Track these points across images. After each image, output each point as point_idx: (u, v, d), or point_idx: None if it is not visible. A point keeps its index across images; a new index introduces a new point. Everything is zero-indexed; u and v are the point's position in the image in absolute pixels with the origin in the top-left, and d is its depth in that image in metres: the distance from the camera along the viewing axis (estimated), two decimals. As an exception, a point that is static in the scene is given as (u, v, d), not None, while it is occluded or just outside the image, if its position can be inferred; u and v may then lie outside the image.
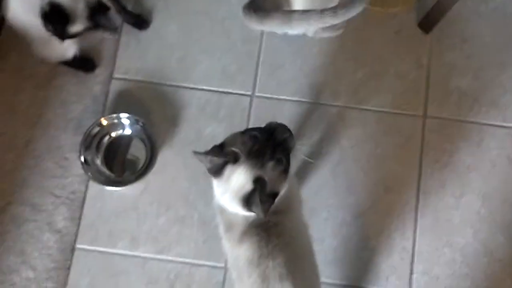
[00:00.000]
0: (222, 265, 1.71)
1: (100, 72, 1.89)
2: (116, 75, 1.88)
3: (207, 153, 1.19)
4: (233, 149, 1.19)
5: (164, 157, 1.78)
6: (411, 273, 1.68)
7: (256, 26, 1.46)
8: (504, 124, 1.79)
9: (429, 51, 1.87)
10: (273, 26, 1.43)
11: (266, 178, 1.17)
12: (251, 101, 1.84)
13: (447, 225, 1.71)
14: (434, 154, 1.78)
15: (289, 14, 1.40)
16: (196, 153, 1.19)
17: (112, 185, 1.75)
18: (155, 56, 1.89)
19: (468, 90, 1.83)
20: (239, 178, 1.17)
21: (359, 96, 1.84)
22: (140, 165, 1.78)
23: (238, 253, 1.23)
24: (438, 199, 1.73)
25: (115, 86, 1.87)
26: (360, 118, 1.82)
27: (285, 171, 1.20)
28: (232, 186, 1.18)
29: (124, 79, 1.88)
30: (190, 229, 1.74)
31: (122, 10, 1.82)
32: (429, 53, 1.87)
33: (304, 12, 1.40)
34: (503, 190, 1.73)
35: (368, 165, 1.77)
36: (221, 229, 1.30)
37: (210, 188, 1.72)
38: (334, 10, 1.35)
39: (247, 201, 1.17)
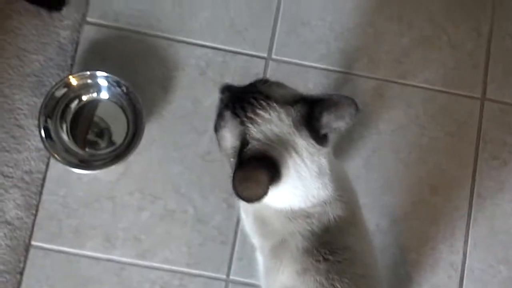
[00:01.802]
0: (223, 276, 1.37)
1: (69, 13, 1.49)
2: (89, 19, 1.49)
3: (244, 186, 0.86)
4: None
5: (150, 132, 1.41)
6: (459, 295, 1.40)
7: None
8: None
9: (490, 17, 1.56)
10: None
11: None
12: (266, 65, 1.48)
13: (505, 237, 1.44)
14: (492, 148, 1.48)
15: None
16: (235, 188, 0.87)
17: (82, 168, 1.36)
18: (142, -4, 1.50)
19: (536, 69, 1.52)
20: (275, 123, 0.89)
21: (402, 68, 1.50)
22: (119, 142, 1.40)
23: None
24: (495, 205, 1.45)
25: (88, 33, 1.48)
26: (403, 96, 1.49)
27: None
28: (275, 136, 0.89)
29: (100, 25, 1.48)
30: (182, 228, 1.39)
31: None
32: (491, 20, 1.55)
33: None
34: None
35: (410, 157, 1.46)
36: (265, 250, 1.00)
37: (210, 177, 1.41)
38: None
39: (319, 127, 0.90)
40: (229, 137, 0.92)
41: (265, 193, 0.86)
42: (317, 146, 0.91)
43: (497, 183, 1.45)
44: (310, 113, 0.90)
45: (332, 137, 0.94)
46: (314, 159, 0.91)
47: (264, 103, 0.90)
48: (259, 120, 0.89)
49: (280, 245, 0.97)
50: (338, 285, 0.92)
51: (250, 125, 0.89)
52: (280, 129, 0.89)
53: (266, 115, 0.89)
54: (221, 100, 0.97)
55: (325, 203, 0.95)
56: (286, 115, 0.90)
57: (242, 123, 0.90)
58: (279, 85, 0.97)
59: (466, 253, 1.42)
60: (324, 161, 0.92)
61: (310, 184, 0.93)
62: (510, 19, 1.54)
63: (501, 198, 1.45)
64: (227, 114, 0.92)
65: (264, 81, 0.97)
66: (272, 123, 0.89)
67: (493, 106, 1.50)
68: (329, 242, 0.95)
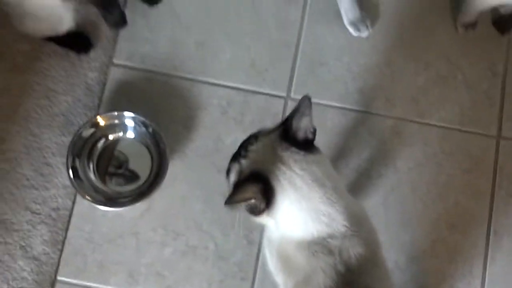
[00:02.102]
0: (245, 313, 1.39)
1: (96, 56, 1.55)
2: (116, 61, 1.55)
3: (236, 199, 0.97)
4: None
5: (174, 170, 1.45)
6: (478, 333, 1.40)
7: None
8: None
9: (505, 56, 1.59)
10: None
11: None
12: (285, 104, 1.52)
13: (523, 275, 1.43)
14: (508, 185, 1.49)
15: None
16: (228, 204, 0.97)
17: (108, 205, 1.41)
18: (167, 40, 1.56)
19: (551, 107, 1.54)
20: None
21: (419, 107, 1.53)
22: (144, 180, 1.44)
23: None
24: (513, 242, 1.45)
25: (114, 75, 1.54)
26: (420, 134, 1.52)
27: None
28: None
29: (126, 67, 1.54)
30: (203, 264, 1.42)
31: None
32: (506, 59, 1.58)
33: None
34: None
35: (428, 195, 1.48)
36: (289, 284, 1.02)
37: (230, 214, 1.44)
38: None
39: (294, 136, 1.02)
40: (233, 178, 1.03)
41: (253, 196, 0.95)
42: (301, 152, 0.99)
43: (514, 221, 1.47)
44: (285, 128, 1.01)
45: (316, 144, 1.03)
46: (303, 166, 0.98)
47: (252, 140, 1.04)
48: (249, 154, 1.01)
49: (305, 282, 0.99)
50: None
51: (242, 160, 1.01)
52: (265, 154, 1.00)
53: (253, 147, 1.02)
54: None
55: (343, 236, 0.97)
56: (269, 140, 1.01)
57: (238, 161, 1.02)
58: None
59: (484, 291, 1.43)
60: (316, 169, 0.98)
61: (310, 195, 0.97)
62: (524, 57, 1.58)
63: (519, 236, 1.46)
64: (230, 162, 1.05)
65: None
66: (258, 152, 1.01)
67: (509, 143, 1.52)
68: (352, 282, 0.96)
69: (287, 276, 1.03)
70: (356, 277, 0.97)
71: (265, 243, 1.14)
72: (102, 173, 1.46)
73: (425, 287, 1.42)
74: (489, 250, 1.45)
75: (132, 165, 1.47)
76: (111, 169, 1.47)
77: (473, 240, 1.45)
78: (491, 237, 1.46)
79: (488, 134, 1.52)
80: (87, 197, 1.38)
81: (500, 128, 1.53)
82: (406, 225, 1.46)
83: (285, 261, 1.02)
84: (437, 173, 1.49)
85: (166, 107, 1.51)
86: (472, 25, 1.56)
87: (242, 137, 1.47)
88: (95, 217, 1.44)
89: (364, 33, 1.55)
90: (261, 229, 1.42)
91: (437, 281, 1.42)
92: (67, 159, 1.39)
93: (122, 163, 1.47)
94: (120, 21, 1.52)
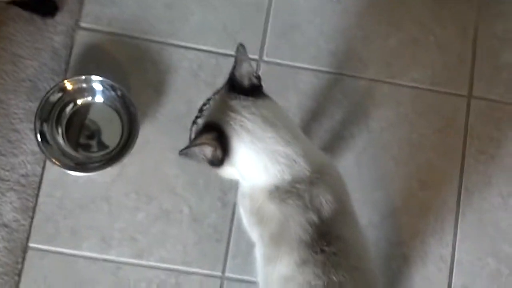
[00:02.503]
0: (219, 273, 1.40)
1: (62, 19, 1.51)
2: (83, 24, 1.51)
3: (194, 144, 1.02)
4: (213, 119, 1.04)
5: (145, 135, 1.44)
6: (449, 287, 1.43)
7: None
8: (562, 111, 1.54)
9: (476, 18, 1.59)
10: None
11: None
12: (257, 66, 1.51)
13: (492, 230, 1.47)
14: (479, 143, 1.51)
15: None
16: (182, 153, 1.03)
17: (77, 170, 1.38)
18: (134, 1, 1.53)
19: (521, 67, 1.56)
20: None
21: (392, 68, 1.54)
22: (114, 145, 1.42)
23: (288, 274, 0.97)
24: (483, 199, 1.49)
25: (81, 39, 1.50)
26: (393, 95, 1.53)
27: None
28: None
29: (94, 30, 1.51)
30: (177, 227, 1.41)
31: None
32: (476, 21, 1.59)
33: None
34: (557, 190, 1.49)
35: (400, 153, 1.49)
36: (265, 239, 1.01)
37: (204, 177, 1.43)
38: None
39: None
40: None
41: (207, 142, 0.99)
42: (249, 98, 1.02)
43: (484, 178, 1.49)
44: (231, 81, 1.05)
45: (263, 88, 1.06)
46: (252, 111, 1.00)
47: (206, 102, 1.09)
48: (203, 113, 1.08)
49: (280, 233, 0.99)
50: (334, 278, 0.94)
51: (198, 120, 1.08)
52: (216, 108, 1.05)
53: (207, 106, 1.08)
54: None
55: (309, 182, 0.99)
56: (220, 96, 1.06)
57: (195, 123, 1.09)
58: None
59: (455, 246, 1.45)
60: (266, 112, 1.01)
61: (263, 135, 0.99)
62: (494, 19, 1.59)
63: (488, 192, 1.48)
64: (190, 128, 1.12)
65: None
66: (211, 108, 1.06)
67: (479, 103, 1.54)
68: (326, 233, 0.97)
69: (262, 228, 1.03)
70: (329, 227, 0.98)
71: (239, 200, 1.14)
72: (73, 141, 1.44)
73: (397, 244, 1.44)
74: (460, 206, 1.47)
75: (102, 131, 1.45)
76: (83, 140, 1.45)
77: (445, 197, 1.48)
78: (462, 194, 1.48)
79: (459, 93, 1.54)
80: (55, 161, 1.36)
81: (471, 88, 1.54)
82: (379, 184, 1.47)
83: (258, 213, 1.03)
84: (409, 132, 1.50)
85: (135, 71, 1.49)
86: None
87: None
88: (65, 183, 1.42)
89: None
90: (235, 190, 1.43)
91: (410, 237, 1.44)
92: (34, 123, 1.37)
93: (94, 133, 1.45)
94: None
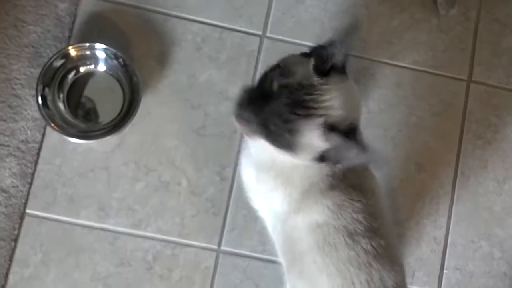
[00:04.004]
0: (215, 246, 1.34)
1: (66, -13, 1.42)
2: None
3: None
4: None
5: (146, 105, 1.37)
6: (442, 268, 1.38)
7: None
8: (559, 99, 1.48)
9: (479, 2, 1.52)
10: None
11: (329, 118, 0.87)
12: (260, 42, 1.44)
13: (487, 214, 1.42)
14: (477, 128, 1.45)
15: None
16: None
17: (78, 137, 1.31)
18: (140, -28, 1.44)
19: (521, 53, 1.49)
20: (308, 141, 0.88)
21: (393, 49, 1.47)
22: (116, 114, 1.35)
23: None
24: (478, 183, 1.43)
25: (86, 6, 1.42)
26: (393, 76, 1.46)
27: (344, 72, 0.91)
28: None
29: (98, -1, 1.42)
30: (175, 199, 1.35)
31: None
32: (479, 5, 1.52)
33: None
34: (551, 177, 1.44)
35: (399, 135, 1.43)
36: (295, 195, 0.96)
37: (203, 151, 1.37)
38: None
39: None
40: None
41: None
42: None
43: (480, 162, 1.44)
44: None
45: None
46: None
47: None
48: None
49: (309, 189, 0.95)
50: (375, 225, 0.92)
51: None
52: None
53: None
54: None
55: None
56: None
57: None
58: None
59: (449, 228, 1.40)
60: None
61: None
62: (496, 4, 1.52)
63: (484, 176, 1.43)
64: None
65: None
66: None
67: (479, 87, 1.48)
68: (357, 185, 0.94)
69: (291, 188, 0.97)
70: (358, 180, 0.96)
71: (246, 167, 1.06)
72: (73, 108, 1.36)
73: (393, 223, 1.38)
74: (456, 190, 1.42)
75: (104, 99, 1.38)
76: (80, 112, 1.37)
77: (441, 180, 1.42)
78: (458, 177, 1.43)
79: (459, 77, 1.48)
80: (55, 127, 1.29)
81: (471, 72, 1.48)
82: (377, 164, 1.41)
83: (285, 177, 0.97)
84: (407, 114, 1.45)
85: (139, 41, 1.41)
86: (451, 3, 1.47)
87: (217, 74, 1.42)
88: (65, 150, 1.35)
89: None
90: (234, 165, 1.37)
91: (405, 218, 1.40)
92: (36, 88, 1.29)
93: (90, 112, 1.37)
94: None
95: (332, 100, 0.87)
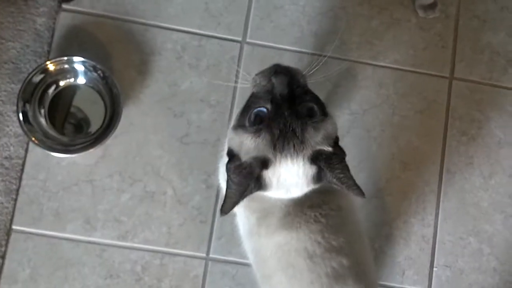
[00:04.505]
0: (203, 254, 1.31)
1: (44, 0, 1.40)
2: (65, 5, 1.41)
3: (232, 191, 0.84)
4: (253, 156, 0.85)
5: (129, 116, 1.34)
6: (432, 266, 1.35)
7: None
8: (542, 91, 1.46)
9: (457, -1, 1.49)
10: None
11: (318, 147, 0.84)
12: (241, 48, 1.41)
13: (474, 210, 1.39)
14: (460, 125, 1.43)
15: None
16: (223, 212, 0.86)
17: (60, 151, 1.29)
18: (118, -16, 1.41)
19: (502, 49, 1.48)
20: (291, 174, 0.85)
21: (374, 50, 1.45)
22: (98, 126, 1.32)
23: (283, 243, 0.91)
24: (464, 179, 1.41)
25: (64, 20, 1.40)
26: (375, 76, 1.44)
27: (323, 112, 0.89)
28: (288, 183, 0.86)
29: (76, 11, 1.40)
30: (162, 209, 1.32)
31: None
32: (458, 2, 1.49)
33: None
34: (537, 170, 1.42)
35: (383, 135, 1.41)
36: (252, 220, 0.94)
37: (188, 159, 1.34)
38: None
39: (320, 179, 0.86)
40: (250, 143, 0.86)
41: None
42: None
43: (465, 158, 1.41)
44: (320, 173, 0.86)
45: None
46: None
47: (296, 149, 0.85)
48: (282, 166, 0.85)
49: (265, 215, 0.93)
50: (335, 244, 0.89)
51: (276, 163, 0.85)
52: (291, 177, 0.86)
53: (289, 162, 0.85)
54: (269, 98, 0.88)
55: None
56: (303, 172, 0.85)
57: (273, 148, 0.85)
58: (318, 124, 0.88)
59: (437, 226, 1.38)
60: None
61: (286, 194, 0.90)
62: (475, 0, 1.50)
63: (470, 173, 1.41)
64: (266, 132, 0.85)
65: (310, 112, 0.89)
66: (289, 171, 0.85)
67: (461, 84, 1.45)
68: (319, 204, 0.91)
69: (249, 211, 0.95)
70: (326, 198, 0.92)
71: (222, 173, 1.04)
72: (59, 126, 1.34)
73: (381, 223, 1.37)
74: (442, 187, 1.40)
75: (85, 112, 1.35)
76: (69, 128, 1.34)
77: (426, 178, 1.40)
78: (444, 175, 1.40)
79: (441, 75, 1.45)
80: (37, 142, 1.26)
81: (452, 69, 1.46)
82: (362, 165, 1.39)
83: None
84: (391, 114, 1.42)
85: (119, 52, 1.39)
86: (431, 7, 1.45)
87: (198, 82, 1.39)
88: (49, 165, 1.32)
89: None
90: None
91: (393, 218, 1.37)
92: (17, 104, 1.27)
93: (81, 122, 1.35)
94: None
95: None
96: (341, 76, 1.43)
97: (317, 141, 0.85)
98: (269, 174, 0.85)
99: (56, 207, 1.31)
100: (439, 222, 1.38)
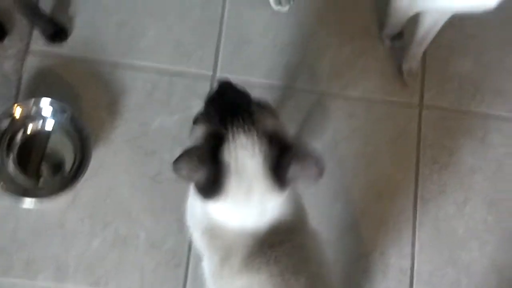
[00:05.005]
0: (178, 298, 1.26)
1: (11, 43, 1.37)
2: (33, 47, 1.37)
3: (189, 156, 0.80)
4: (205, 134, 0.85)
5: (99, 158, 1.30)
6: (410, 298, 1.32)
7: None
8: (511, 116, 1.44)
9: (424, 27, 1.48)
10: None
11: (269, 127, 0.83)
12: (211, 83, 1.38)
13: (450, 238, 1.37)
14: (432, 152, 1.41)
15: None
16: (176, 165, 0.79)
17: (30, 197, 1.23)
18: (86, 22, 1.39)
19: (469, 75, 1.47)
20: (248, 152, 0.81)
21: (344, 80, 1.43)
22: (67, 170, 1.28)
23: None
24: (438, 207, 1.39)
25: (32, 62, 1.36)
26: (346, 107, 1.42)
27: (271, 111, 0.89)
28: (248, 170, 0.81)
29: (44, 53, 1.37)
30: (134, 253, 1.28)
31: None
32: (424, 30, 1.47)
33: None
34: None
35: (355, 166, 1.39)
36: (215, 261, 0.89)
37: (160, 199, 1.30)
38: None
39: (284, 177, 0.82)
40: (203, 132, 0.85)
41: (189, 174, 0.80)
42: (275, 189, 0.83)
43: (438, 186, 1.39)
44: (279, 158, 0.82)
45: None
46: (264, 197, 0.84)
47: (248, 128, 0.82)
48: (237, 142, 0.82)
49: (228, 257, 0.88)
50: (296, 285, 0.85)
51: (229, 139, 0.82)
52: (248, 158, 0.81)
53: (244, 141, 0.82)
54: (213, 99, 0.92)
55: None
56: (259, 150, 0.82)
57: (224, 129, 0.82)
58: (267, 111, 0.87)
59: (414, 256, 1.34)
60: (272, 205, 0.85)
61: (247, 211, 0.85)
62: (442, 30, 1.49)
63: (444, 200, 1.38)
64: (215, 119, 0.84)
65: (258, 103, 0.88)
66: (245, 150, 0.81)
67: (431, 112, 1.44)
68: (280, 243, 0.86)
69: (213, 252, 0.91)
70: (285, 237, 0.87)
71: (188, 222, 1.00)
72: (33, 168, 1.29)
73: (358, 256, 1.33)
74: (417, 216, 1.37)
75: (55, 156, 1.30)
76: (46, 171, 1.30)
77: (401, 207, 1.37)
78: (418, 204, 1.38)
79: (411, 102, 1.44)
80: (3, 188, 1.21)
81: (422, 97, 1.44)
82: (336, 198, 1.36)
83: (209, 239, 0.91)
84: (363, 144, 1.40)
85: (88, 93, 1.35)
86: (398, 36, 1.44)
87: (169, 120, 1.35)
88: (18, 213, 1.27)
89: (285, 7, 1.42)
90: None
91: (370, 249, 1.34)
92: (-18, 150, 1.22)
93: (60, 165, 1.30)
94: (53, 34, 1.35)
95: None
96: (311, 108, 1.40)
97: (266, 116, 0.84)
98: (225, 154, 0.81)
99: (26, 256, 1.25)
100: (416, 252, 1.35)
